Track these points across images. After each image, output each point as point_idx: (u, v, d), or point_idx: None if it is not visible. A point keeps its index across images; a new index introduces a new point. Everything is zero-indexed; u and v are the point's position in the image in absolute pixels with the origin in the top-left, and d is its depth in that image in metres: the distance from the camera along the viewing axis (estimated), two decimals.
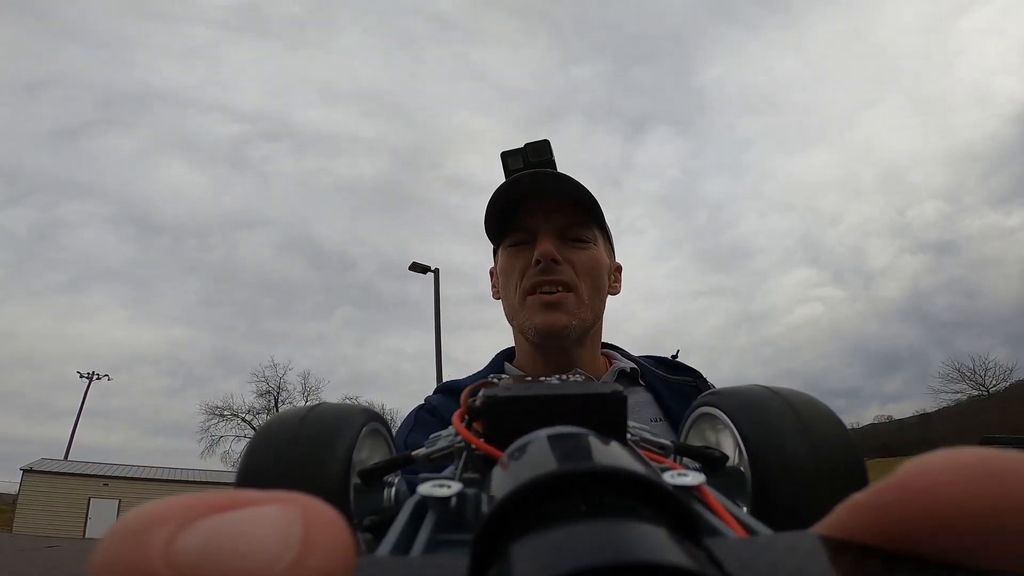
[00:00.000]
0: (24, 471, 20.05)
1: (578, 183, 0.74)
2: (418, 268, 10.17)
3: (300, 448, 0.30)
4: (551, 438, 0.16)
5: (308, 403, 0.36)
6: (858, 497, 0.11)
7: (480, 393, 0.25)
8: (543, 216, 0.75)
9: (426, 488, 0.20)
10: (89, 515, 19.71)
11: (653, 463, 0.24)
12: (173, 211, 45.64)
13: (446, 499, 0.20)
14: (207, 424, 23.01)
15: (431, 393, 0.81)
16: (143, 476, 21.39)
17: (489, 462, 0.22)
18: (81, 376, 26.53)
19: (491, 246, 0.85)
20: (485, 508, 0.15)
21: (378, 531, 0.29)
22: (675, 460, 0.31)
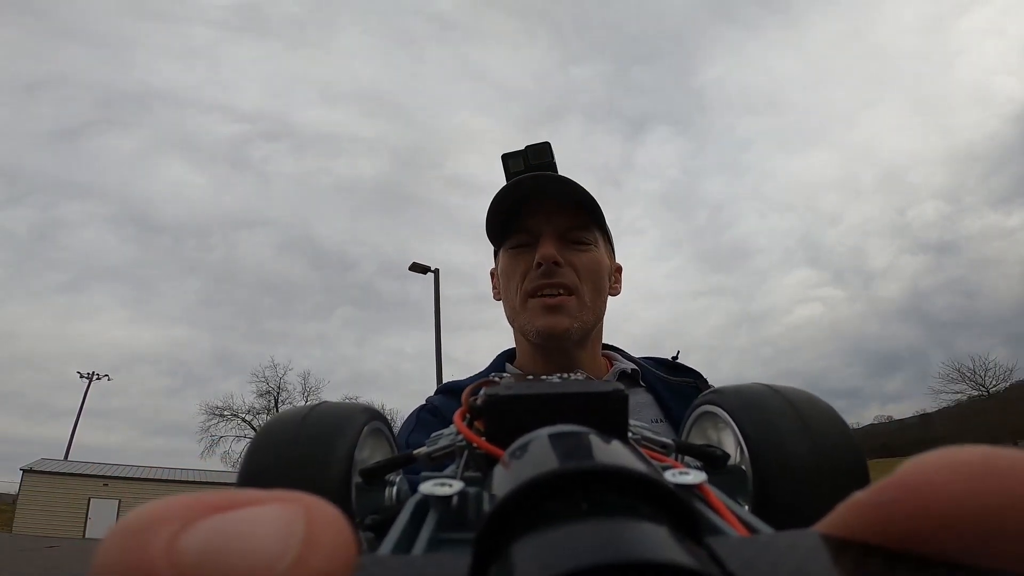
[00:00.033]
0: (24, 471, 20.05)
1: (579, 185, 0.74)
2: (418, 268, 10.17)
3: (302, 447, 0.30)
4: (552, 437, 0.16)
5: (309, 403, 0.36)
6: (859, 496, 0.11)
7: (481, 392, 0.25)
8: (544, 218, 0.76)
9: (428, 487, 0.20)
10: (89, 515, 19.71)
11: (654, 462, 0.24)
12: (173, 211, 45.75)
13: (448, 498, 0.20)
14: (207, 424, 23.04)
15: (432, 393, 0.81)
16: (143, 476, 21.38)
17: (490, 461, 0.22)
18: (81, 376, 26.56)
19: (491, 246, 0.85)
20: (487, 507, 0.15)
21: (380, 530, 0.29)
22: (676, 459, 0.31)
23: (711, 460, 0.30)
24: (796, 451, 0.28)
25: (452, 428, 0.29)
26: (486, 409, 0.24)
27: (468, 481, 0.23)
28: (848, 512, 0.11)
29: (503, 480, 0.15)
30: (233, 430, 23.13)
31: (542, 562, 0.09)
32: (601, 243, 0.79)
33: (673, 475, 0.20)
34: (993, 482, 0.09)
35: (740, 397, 0.31)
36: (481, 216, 0.77)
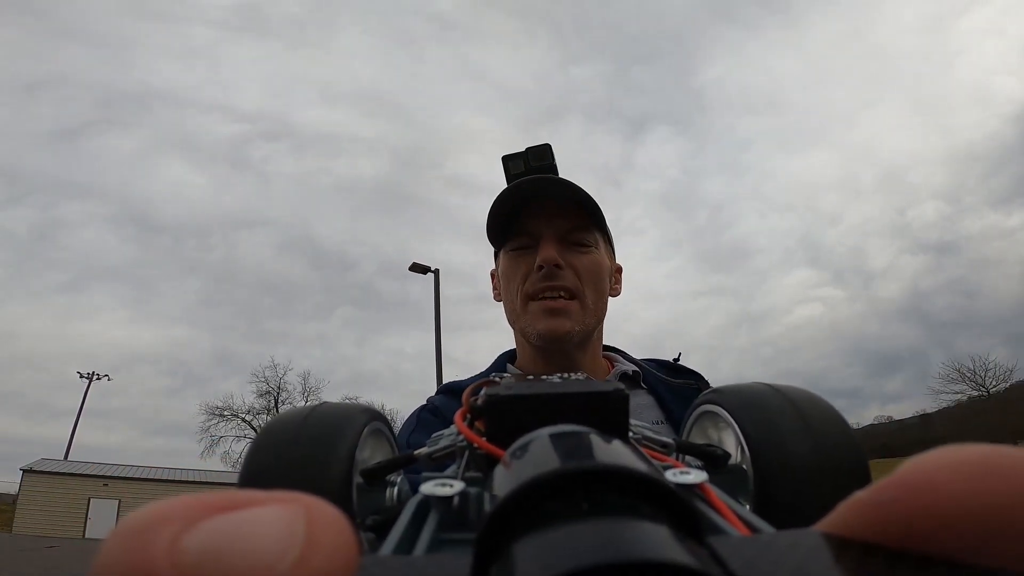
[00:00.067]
0: (24, 471, 20.04)
1: (580, 188, 0.74)
2: (418, 268, 10.17)
3: (302, 448, 0.30)
4: (553, 437, 0.16)
5: (309, 403, 0.36)
6: (860, 495, 0.11)
7: (482, 392, 0.25)
8: (545, 220, 0.76)
9: (428, 487, 0.20)
10: (89, 515, 19.71)
11: (655, 461, 0.24)
12: (173, 211, 45.72)
13: (448, 498, 0.20)
14: (207, 424, 23.05)
15: (433, 393, 0.81)
16: (143, 476, 21.37)
17: (491, 461, 0.22)
18: (81, 376, 26.56)
19: (491, 247, 0.85)
20: (487, 507, 0.15)
21: (381, 530, 0.29)
22: (677, 458, 0.31)
23: (712, 459, 0.30)
24: (797, 450, 0.28)
25: (453, 428, 0.29)
26: (487, 409, 0.24)
27: (469, 481, 0.23)
28: (849, 511, 0.11)
29: (504, 480, 0.15)
30: (233, 430, 23.17)
31: (543, 562, 0.09)
32: (602, 244, 0.79)
33: (674, 475, 0.20)
34: (994, 481, 0.09)
35: (740, 396, 0.31)
36: (481, 216, 0.78)
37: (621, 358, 0.86)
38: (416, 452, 0.31)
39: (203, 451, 22.88)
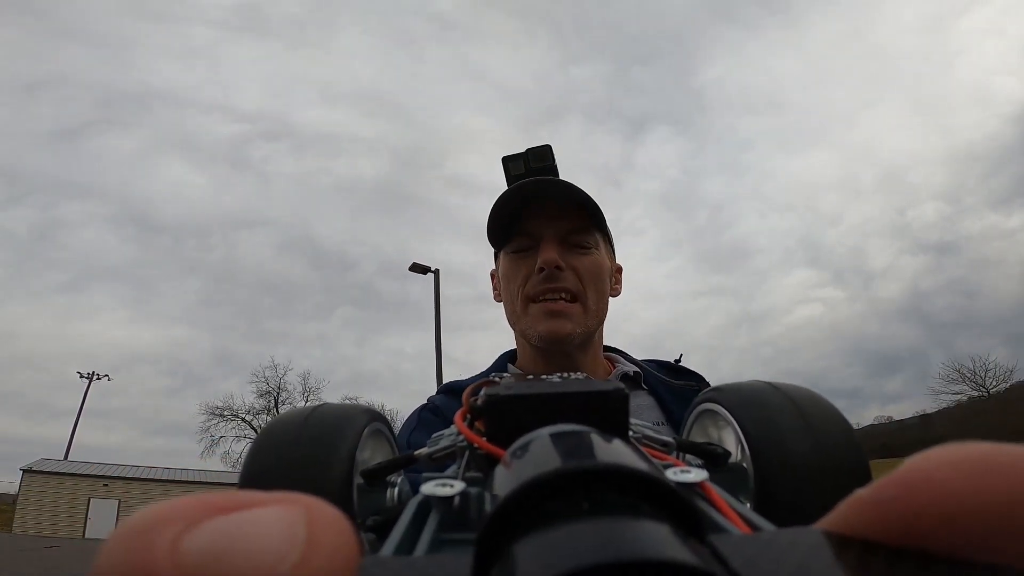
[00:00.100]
0: (24, 471, 20.04)
1: (580, 189, 0.73)
2: (418, 269, 10.17)
3: (303, 449, 0.30)
4: (553, 436, 0.16)
5: (309, 403, 0.36)
6: (861, 493, 0.11)
7: (482, 392, 0.25)
8: (545, 222, 0.76)
9: (429, 487, 0.20)
10: (89, 515, 19.71)
11: (655, 460, 0.24)
12: (173, 211, 45.71)
13: (449, 498, 0.20)
14: (207, 424, 23.05)
15: (433, 393, 0.81)
16: (143, 476, 21.36)
17: (492, 461, 0.22)
18: (81, 376, 26.56)
19: (491, 247, 0.85)
20: (488, 507, 0.15)
21: (381, 531, 0.29)
22: (677, 457, 0.31)
23: (712, 458, 0.30)
24: (797, 448, 0.28)
25: (453, 428, 0.29)
26: (487, 409, 0.24)
27: (469, 481, 0.23)
28: (850, 509, 0.11)
29: (504, 480, 0.15)
30: (233, 430, 23.16)
31: (544, 562, 0.09)
32: (602, 245, 0.79)
33: (674, 473, 0.20)
34: (994, 479, 0.09)
35: (740, 394, 0.31)
36: (481, 216, 0.78)
37: (622, 359, 0.86)
38: (416, 452, 0.31)
39: (203, 451, 22.93)
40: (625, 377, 0.81)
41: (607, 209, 0.77)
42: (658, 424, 0.76)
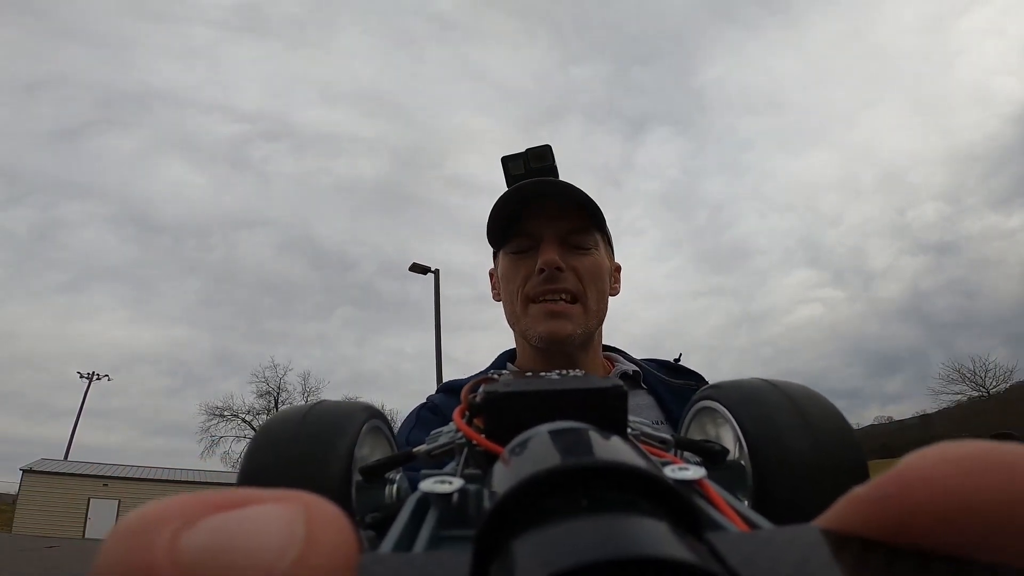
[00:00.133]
0: (24, 471, 20.04)
1: (580, 190, 0.73)
2: (418, 269, 10.18)
3: (302, 446, 0.30)
4: (552, 433, 0.16)
5: (309, 402, 0.36)
6: (859, 490, 0.11)
7: (480, 389, 0.25)
8: (545, 222, 0.76)
9: (428, 485, 0.20)
10: (89, 515, 19.70)
11: (654, 457, 0.24)
12: (173, 211, 45.71)
13: (448, 495, 0.20)
14: (207, 424, 22.98)
15: (433, 392, 0.81)
16: (142, 476, 21.37)
17: (490, 458, 0.22)
18: (81, 376, 26.57)
19: (491, 247, 0.85)
20: (487, 504, 0.15)
21: (380, 528, 0.29)
22: (676, 454, 0.31)
23: (710, 456, 0.30)
24: (795, 446, 0.28)
25: (452, 426, 0.29)
26: (485, 406, 0.24)
27: (468, 478, 0.23)
28: (848, 507, 0.11)
29: (503, 477, 0.15)
30: (233, 430, 23.11)
31: (543, 559, 0.09)
32: (602, 245, 0.79)
33: (672, 471, 0.20)
34: (992, 477, 0.09)
35: (739, 392, 0.31)
36: (481, 216, 0.77)
37: (622, 358, 0.86)
38: (415, 449, 0.31)
39: (203, 451, 22.85)
40: (624, 376, 0.81)
41: (607, 209, 0.77)
42: (657, 423, 0.76)
